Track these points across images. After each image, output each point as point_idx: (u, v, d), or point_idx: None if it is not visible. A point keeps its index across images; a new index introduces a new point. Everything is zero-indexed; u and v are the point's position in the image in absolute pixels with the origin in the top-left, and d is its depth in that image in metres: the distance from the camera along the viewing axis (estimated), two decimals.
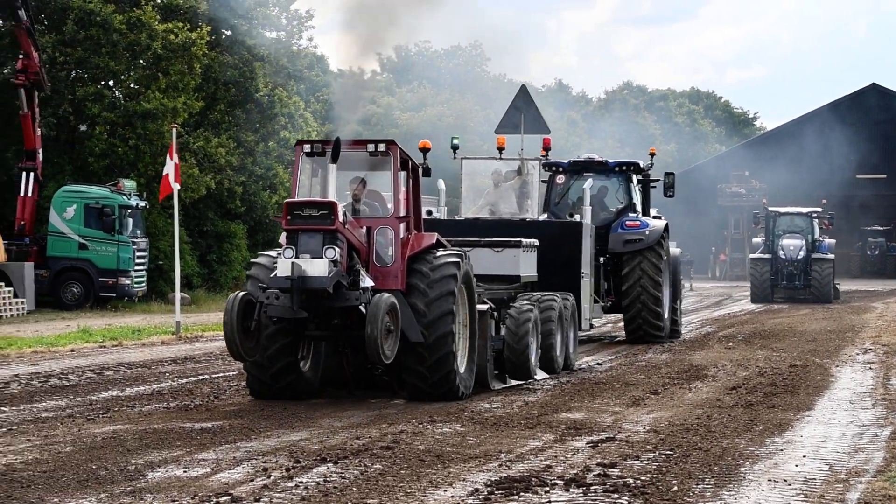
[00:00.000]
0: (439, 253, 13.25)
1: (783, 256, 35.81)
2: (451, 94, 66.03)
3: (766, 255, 36.04)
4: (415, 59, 77.82)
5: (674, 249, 23.42)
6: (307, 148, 13.49)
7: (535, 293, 16.71)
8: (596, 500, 8.00)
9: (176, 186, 23.14)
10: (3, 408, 12.67)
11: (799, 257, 35.62)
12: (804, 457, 9.94)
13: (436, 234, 13.73)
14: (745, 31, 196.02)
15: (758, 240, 37.69)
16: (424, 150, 14.89)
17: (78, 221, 31.22)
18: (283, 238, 12.74)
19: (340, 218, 12.18)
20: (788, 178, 59.44)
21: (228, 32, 39.86)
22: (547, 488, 8.32)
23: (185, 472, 8.65)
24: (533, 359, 15.12)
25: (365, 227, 13.02)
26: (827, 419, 12.59)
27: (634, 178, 22.84)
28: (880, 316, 31.27)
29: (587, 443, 10.55)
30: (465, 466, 9.21)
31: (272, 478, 8.34)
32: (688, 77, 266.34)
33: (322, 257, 11.86)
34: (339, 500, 7.78)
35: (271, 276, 12.24)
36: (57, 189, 32.28)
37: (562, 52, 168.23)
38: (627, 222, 21.45)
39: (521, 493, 8.11)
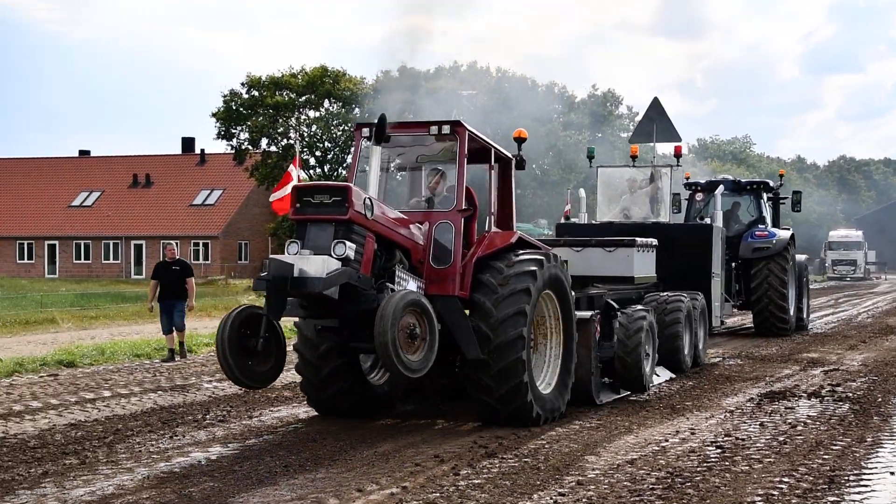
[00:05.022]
0: (519, 254, 10.97)
1: None
2: None
3: None
4: None
5: (800, 257, 24.17)
6: (366, 132, 11.03)
7: (663, 293, 15.80)
8: (827, 406, 11.95)
9: None
10: None
11: None
12: None
13: (518, 232, 11.52)
14: None
15: None
16: (520, 140, 12.00)
17: None
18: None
19: (359, 206, 9.60)
20: None
21: None
22: (796, 398, 12.57)
23: None
24: (647, 369, 13.19)
25: (426, 223, 10.75)
26: None
27: (764, 195, 24.07)
28: None
29: (821, 370, 15.52)
30: (745, 384, 14.05)
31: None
32: None
33: (329, 254, 9.33)
34: (665, 404, 12.35)
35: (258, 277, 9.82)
36: None
37: None
38: (757, 232, 22.47)
39: (780, 401, 12.32)
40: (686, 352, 15.44)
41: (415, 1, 11.86)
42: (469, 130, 10.92)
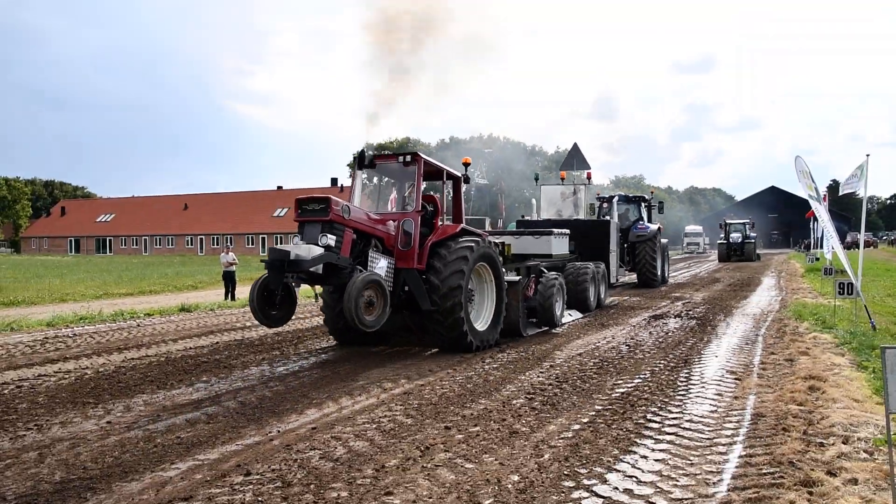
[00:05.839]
0: (461, 239, 9.05)
1: (731, 241, 38.86)
2: None
3: (725, 241, 39.14)
4: None
5: (664, 240, 21.56)
6: (358, 163, 9.07)
7: (577, 263, 14.05)
8: (685, 322, 11.60)
9: None
10: None
11: (738, 241, 38.63)
12: (753, 307, 13.97)
13: (462, 224, 9.34)
14: None
15: (722, 235, 40.84)
16: (466, 165, 10.11)
17: None
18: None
19: (338, 210, 8.00)
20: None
21: None
22: (669, 318, 12.18)
23: None
24: (558, 313, 11.17)
25: (397, 220, 8.86)
26: (759, 294, 16.97)
27: (643, 204, 21.89)
28: (776, 262, 36.04)
29: (682, 303, 14.96)
30: (640, 311, 13.57)
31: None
32: None
33: (317, 243, 7.80)
34: (598, 322, 11.80)
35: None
36: None
37: None
38: (639, 226, 20.70)
39: (659, 320, 11.94)
40: (592, 299, 13.71)
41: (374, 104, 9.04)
42: (424, 159, 8.87)
